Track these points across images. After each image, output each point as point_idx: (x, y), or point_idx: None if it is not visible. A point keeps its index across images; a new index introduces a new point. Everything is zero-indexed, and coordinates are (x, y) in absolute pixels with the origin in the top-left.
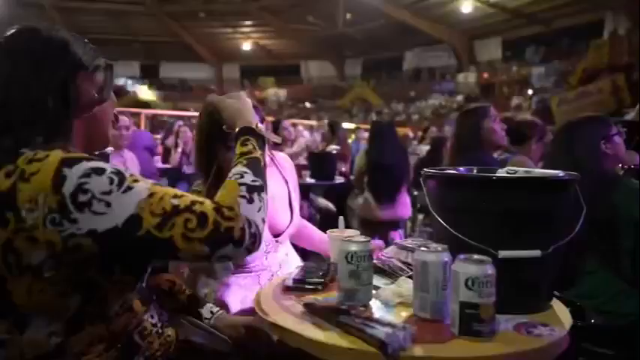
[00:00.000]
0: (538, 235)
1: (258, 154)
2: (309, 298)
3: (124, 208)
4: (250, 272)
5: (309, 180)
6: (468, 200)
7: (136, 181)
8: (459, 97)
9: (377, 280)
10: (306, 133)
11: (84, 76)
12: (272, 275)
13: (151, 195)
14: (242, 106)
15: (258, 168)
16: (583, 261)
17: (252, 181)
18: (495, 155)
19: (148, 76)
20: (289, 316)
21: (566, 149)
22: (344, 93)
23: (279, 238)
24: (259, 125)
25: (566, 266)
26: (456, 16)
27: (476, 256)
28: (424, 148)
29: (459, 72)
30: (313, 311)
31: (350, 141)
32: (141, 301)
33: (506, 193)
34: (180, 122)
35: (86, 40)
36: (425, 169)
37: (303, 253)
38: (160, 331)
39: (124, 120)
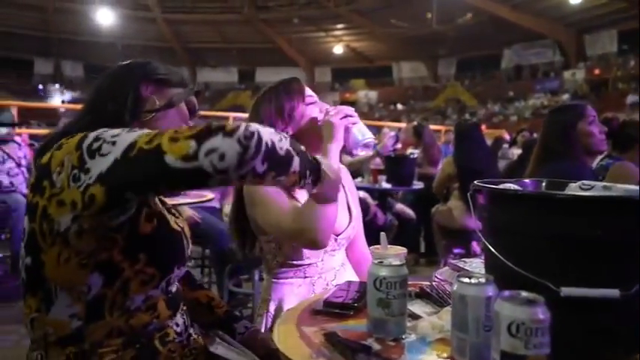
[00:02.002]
0: (617, 270)
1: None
2: (334, 325)
3: (125, 140)
4: (305, 277)
5: (385, 185)
6: (523, 222)
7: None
8: (565, 96)
9: (420, 307)
10: (392, 134)
11: (148, 87)
12: (327, 285)
13: (150, 134)
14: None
15: (306, 158)
16: None
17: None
18: (594, 163)
19: (245, 81)
20: (304, 347)
21: None
22: (436, 94)
23: (338, 237)
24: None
25: None
26: (561, 9)
27: (524, 294)
28: (516, 152)
29: (565, 68)
30: (333, 344)
31: (439, 144)
32: (167, 304)
33: (573, 215)
34: None
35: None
36: (477, 181)
37: None
38: (184, 342)
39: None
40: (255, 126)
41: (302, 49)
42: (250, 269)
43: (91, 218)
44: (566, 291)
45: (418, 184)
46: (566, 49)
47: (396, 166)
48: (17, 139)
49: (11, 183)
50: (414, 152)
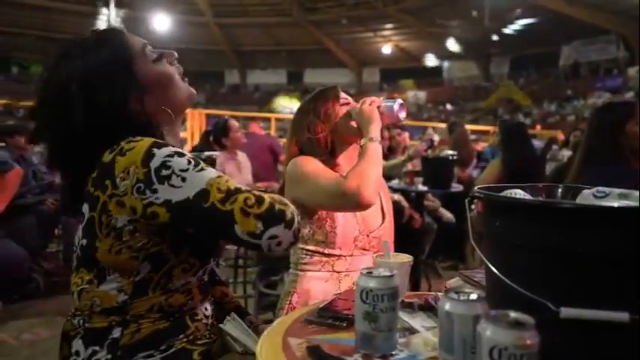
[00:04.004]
0: (626, 290)
1: None
2: (322, 338)
3: (196, 183)
4: (333, 271)
5: (422, 187)
6: (519, 233)
7: (209, 166)
8: (629, 95)
9: (420, 321)
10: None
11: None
12: (353, 284)
13: (219, 176)
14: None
15: None
16: None
17: None
18: None
19: (294, 82)
20: None
21: None
22: (488, 93)
23: (370, 234)
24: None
25: None
26: (625, 1)
27: (513, 315)
28: (566, 154)
29: (630, 65)
30: (313, 358)
31: (486, 145)
32: (200, 290)
33: (574, 227)
34: None
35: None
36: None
37: None
38: (209, 325)
39: (234, 124)
40: (299, 219)
41: (350, 50)
42: (281, 270)
43: (146, 223)
44: (566, 312)
45: (457, 187)
46: (631, 44)
47: (433, 168)
48: None
49: None
50: (453, 153)
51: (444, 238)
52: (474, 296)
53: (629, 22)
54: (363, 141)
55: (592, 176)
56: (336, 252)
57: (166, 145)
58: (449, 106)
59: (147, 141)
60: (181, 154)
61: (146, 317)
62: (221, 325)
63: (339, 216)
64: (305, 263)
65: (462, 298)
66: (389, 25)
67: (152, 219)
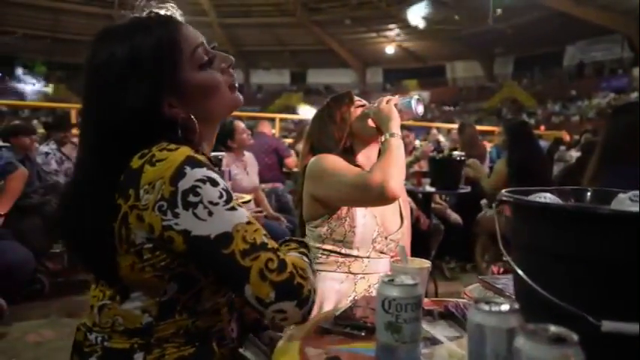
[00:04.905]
0: None
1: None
2: (340, 348)
3: (222, 222)
4: (349, 273)
5: (429, 188)
6: (554, 241)
7: (240, 206)
8: (634, 95)
9: (441, 330)
10: (434, 139)
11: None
12: (369, 287)
13: (249, 223)
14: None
15: None
16: None
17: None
18: None
19: (297, 82)
20: None
21: None
22: (492, 94)
23: (388, 237)
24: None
25: None
26: (631, 1)
27: (554, 329)
28: (574, 155)
29: (635, 65)
30: None
31: (490, 145)
32: (228, 310)
33: (614, 234)
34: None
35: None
36: (505, 192)
37: None
38: (233, 347)
39: (240, 125)
40: (314, 296)
41: (353, 50)
42: None
43: (163, 247)
44: (608, 326)
45: (466, 188)
46: (636, 44)
47: (440, 169)
48: (75, 140)
49: None
50: (461, 154)
51: (451, 240)
52: (506, 307)
53: (635, 22)
54: (384, 137)
55: (610, 176)
56: (354, 252)
57: (201, 165)
58: (452, 107)
59: (181, 154)
60: (214, 182)
61: (171, 342)
62: (241, 350)
63: (360, 216)
64: (320, 263)
65: (494, 309)
66: (392, 26)
67: (168, 243)
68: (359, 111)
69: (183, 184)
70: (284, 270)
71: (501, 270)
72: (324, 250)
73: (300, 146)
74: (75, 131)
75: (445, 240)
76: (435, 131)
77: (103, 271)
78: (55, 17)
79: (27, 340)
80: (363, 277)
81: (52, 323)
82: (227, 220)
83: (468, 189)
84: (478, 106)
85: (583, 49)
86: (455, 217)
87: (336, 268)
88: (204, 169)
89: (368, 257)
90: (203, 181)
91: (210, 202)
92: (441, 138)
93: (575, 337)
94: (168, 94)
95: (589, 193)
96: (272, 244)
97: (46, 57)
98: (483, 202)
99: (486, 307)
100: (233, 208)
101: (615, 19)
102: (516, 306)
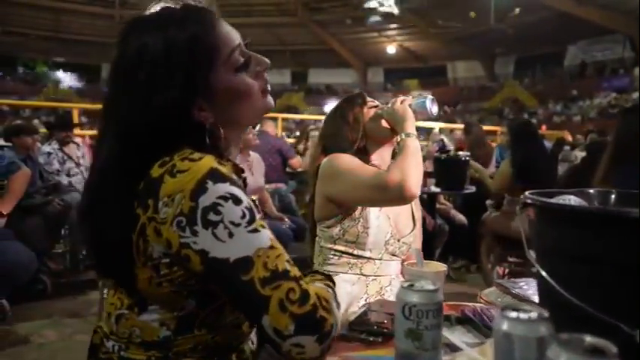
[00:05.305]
0: None
1: None
2: (356, 355)
3: (243, 245)
4: (360, 274)
5: (434, 189)
6: (584, 245)
7: (262, 226)
8: (636, 95)
9: (459, 336)
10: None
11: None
12: (381, 289)
13: (272, 247)
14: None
15: None
16: None
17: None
18: None
19: (298, 82)
20: None
21: None
22: (493, 93)
23: (401, 239)
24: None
25: None
26: (633, 0)
27: (590, 340)
28: (579, 155)
29: (637, 65)
30: None
31: (495, 145)
32: (250, 324)
33: None
34: (313, 126)
35: None
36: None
37: None
38: None
39: None
40: (336, 330)
41: (354, 50)
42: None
43: (179, 264)
44: None
45: (471, 188)
46: (637, 44)
47: (445, 169)
48: (77, 139)
49: (70, 183)
50: (466, 154)
51: (456, 241)
52: (535, 315)
53: (635, 22)
54: (399, 138)
55: (622, 176)
56: (366, 254)
57: (224, 179)
58: (453, 107)
59: (204, 165)
60: (238, 200)
61: (189, 356)
62: None
63: (373, 217)
64: (331, 264)
65: (522, 317)
66: (393, 25)
67: (184, 261)
68: (372, 112)
69: (204, 201)
70: (306, 302)
71: (506, 271)
72: (336, 250)
73: (302, 147)
74: (77, 131)
75: (450, 240)
76: (436, 131)
77: (123, 281)
78: (56, 17)
79: (30, 340)
80: (375, 279)
81: (54, 324)
82: (248, 244)
83: (473, 189)
84: (479, 106)
85: (584, 48)
86: (460, 217)
87: (347, 270)
88: (228, 184)
89: (380, 259)
90: (225, 198)
91: (232, 223)
92: (445, 138)
93: (613, 348)
94: (199, 97)
95: (613, 196)
96: (294, 271)
97: (47, 57)
98: (489, 202)
99: (514, 315)
100: (255, 230)
101: (617, 18)
102: (545, 314)
